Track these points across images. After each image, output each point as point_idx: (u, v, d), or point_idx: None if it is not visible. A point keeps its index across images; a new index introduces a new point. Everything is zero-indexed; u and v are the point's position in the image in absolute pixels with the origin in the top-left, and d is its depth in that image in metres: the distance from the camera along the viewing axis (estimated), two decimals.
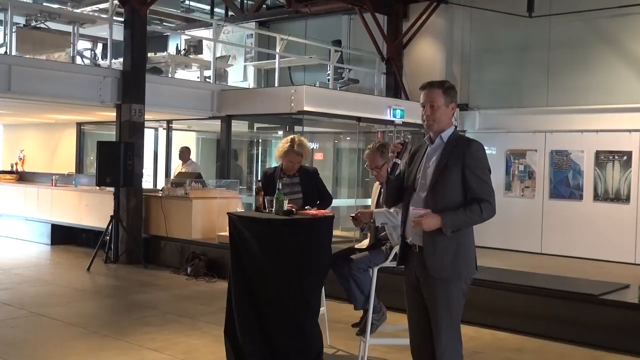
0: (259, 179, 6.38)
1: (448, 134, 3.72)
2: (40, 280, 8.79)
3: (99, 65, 11.20)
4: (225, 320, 5.07)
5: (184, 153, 12.14)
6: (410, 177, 3.77)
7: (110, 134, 12.33)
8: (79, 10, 12.66)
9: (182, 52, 13.29)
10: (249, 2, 15.31)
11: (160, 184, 12.86)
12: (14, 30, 10.07)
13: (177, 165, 12.50)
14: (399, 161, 3.80)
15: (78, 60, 11.21)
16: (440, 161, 3.65)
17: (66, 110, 11.34)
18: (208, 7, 16.08)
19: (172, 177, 12.04)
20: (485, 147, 12.50)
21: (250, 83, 14.97)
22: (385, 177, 3.94)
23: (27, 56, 10.27)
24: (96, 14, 12.53)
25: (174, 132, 13.24)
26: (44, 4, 13.23)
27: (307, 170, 5.87)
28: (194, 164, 12.45)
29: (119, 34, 10.78)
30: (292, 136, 5.82)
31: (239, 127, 12.43)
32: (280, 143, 5.83)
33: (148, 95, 10.22)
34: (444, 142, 3.70)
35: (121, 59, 10.34)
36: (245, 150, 14.71)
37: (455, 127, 3.81)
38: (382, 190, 5.25)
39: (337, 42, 13.84)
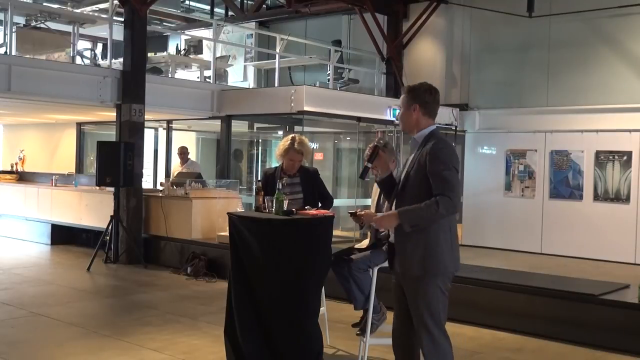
0: (259, 179, 6.38)
1: (423, 134, 3.84)
2: (40, 280, 8.79)
3: (99, 65, 11.20)
4: (225, 320, 5.06)
5: (184, 154, 12.08)
6: (398, 179, 3.96)
7: (110, 134, 12.33)
8: (79, 10, 12.66)
9: (182, 52, 13.29)
10: (249, 2, 15.31)
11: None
12: (14, 30, 10.07)
13: (175, 165, 12.44)
14: (369, 165, 3.95)
15: (78, 60, 11.20)
16: (412, 161, 3.81)
17: (66, 110, 11.35)
18: (208, 7, 16.10)
19: (171, 177, 12.01)
20: (485, 147, 12.47)
21: (250, 83, 14.98)
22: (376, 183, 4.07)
23: (27, 56, 10.27)
24: (96, 14, 12.54)
25: (174, 132, 13.24)
26: (44, 4, 13.23)
27: (307, 171, 5.87)
28: (194, 163, 12.38)
29: (119, 34, 10.78)
30: (292, 135, 5.84)
31: (239, 127, 12.43)
32: (280, 142, 5.84)
33: (148, 95, 10.22)
34: (419, 142, 3.84)
35: (121, 59, 10.34)
36: (245, 150, 14.72)
37: (435, 127, 3.90)
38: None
39: (337, 42, 13.84)
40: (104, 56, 12.86)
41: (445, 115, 11.93)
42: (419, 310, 3.74)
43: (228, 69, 13.70)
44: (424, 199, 3.67)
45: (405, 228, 3.67)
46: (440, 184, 3.65)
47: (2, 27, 10.87)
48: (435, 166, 3.67)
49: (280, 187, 5.15)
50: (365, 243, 5.38)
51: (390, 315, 5.45)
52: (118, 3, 10.50)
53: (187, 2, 16.25)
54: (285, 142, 5.70)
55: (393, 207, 3.86)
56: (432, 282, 3.73)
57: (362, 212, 5.18)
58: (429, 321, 3.72)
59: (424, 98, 3.82)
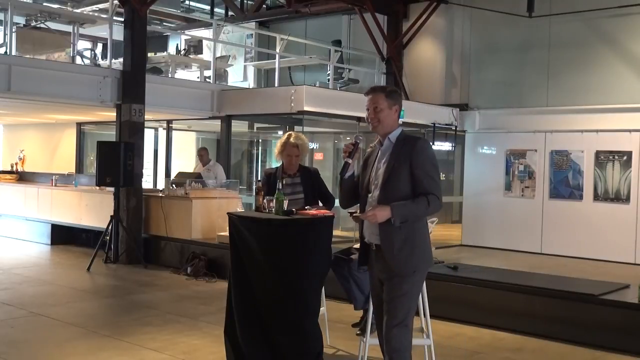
0: (259, 179, 6.38)
1: (395, 134, 3.96)
2: (40, 280, 8.79)
3: (99, 65, 11.20)
4: (225, 320, 5.07)
5: (203, 155, 11.33)
6: (364, 181, 3.99)
7: (110, 134, 12.32)
8: (79, 10, 12.66)
9: (182, 52, 13.29)
10: (249, 2, 15.32)
11: (160, 184, 12.82)
12: (14, 30, 10.07)
13: (194, 167, 11.77)
14: (350, 161, 4.01)
15: (78, 60, 11.20)
16: (390, 160, 3.86)
17: (66, 110, 11.34)
18: (208, 7, 16.10)
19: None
20: (485, 147, 12.47)
21: (250, 83, 14.98)
22: (339, 178, 4.09)
23: (27, 56, 10.27)
24: (96, 14, 12.53)
25: (174, 132, 13.23)
26: (44, 4, 13.23)
27: (308, 170, 5.89)
28: (216, 165, 11.29)
29: (119, 34, 10.78)
30: (289, 132, 5.89)
31: (239, 127, 12.42)
32: (278, 141, 5.88)
33: (148, 95, 10.23)
34: (393, 142, 3.93)
35: (121, 59, 10.34)
36: (246, 150, 14.72)
37: (402, 128, 4.03)
38: None
39: (337, 42, 13.84)
40: (104, 56, 12.86)
41: (445, 115, 11.94)
42: (395, 303, 3.79)
43: (228, 69, 13.70)
44: (408, 195, 3.78)
45: (395, 222, 3.72)
46: (429, 183, 3.78)
47: (2, 27, 10.88)
48: (424, 165, 3.80)
49: (281, 187, 5.15)
50: None
51: None
52: (118, 3, 10.50)
53: (187, 2, 16.26)
54: (282, 139, 5.76)
55: (367, 206, 3.89)
56: (414, 279, 3.83)
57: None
58: (403, 318, 3.79)
59: (400, 100, 4.04)
